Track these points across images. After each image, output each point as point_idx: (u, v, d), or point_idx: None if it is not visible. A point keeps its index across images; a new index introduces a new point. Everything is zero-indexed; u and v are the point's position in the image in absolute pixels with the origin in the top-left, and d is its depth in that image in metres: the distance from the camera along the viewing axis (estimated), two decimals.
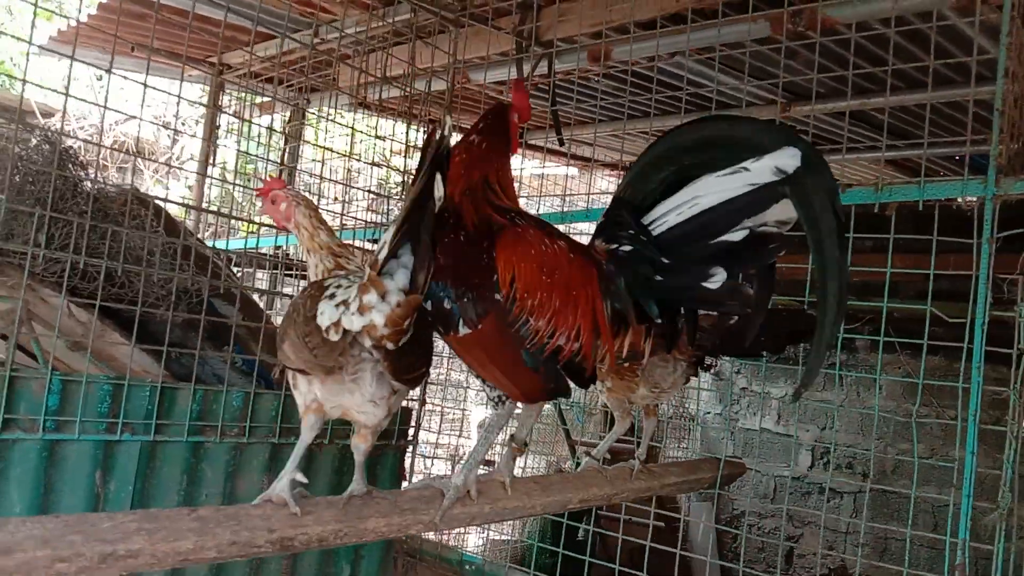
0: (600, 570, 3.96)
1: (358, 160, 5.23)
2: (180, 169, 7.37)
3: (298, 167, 6.15)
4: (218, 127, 6.11)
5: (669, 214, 2.13)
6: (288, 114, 6.16)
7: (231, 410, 3.41)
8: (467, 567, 4.15)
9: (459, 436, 7.11)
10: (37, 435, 2.87)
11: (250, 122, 5.76)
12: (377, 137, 4.67)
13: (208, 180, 5.64)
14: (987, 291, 2.74)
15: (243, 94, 6.07)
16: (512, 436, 2.41)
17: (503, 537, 7.18)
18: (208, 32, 5.22)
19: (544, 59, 4.55)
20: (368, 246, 5.09)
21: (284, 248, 5.11)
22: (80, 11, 4.87)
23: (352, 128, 5.08)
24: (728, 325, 2.60)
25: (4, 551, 1.38)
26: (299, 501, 1.90)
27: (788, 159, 1.97)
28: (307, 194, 6.11)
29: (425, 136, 1.78)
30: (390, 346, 1.82)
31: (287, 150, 5.91)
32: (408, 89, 4.72)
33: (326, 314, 1.81)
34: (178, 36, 5.43)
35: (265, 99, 6.03)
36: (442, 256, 2.03)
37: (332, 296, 1.85)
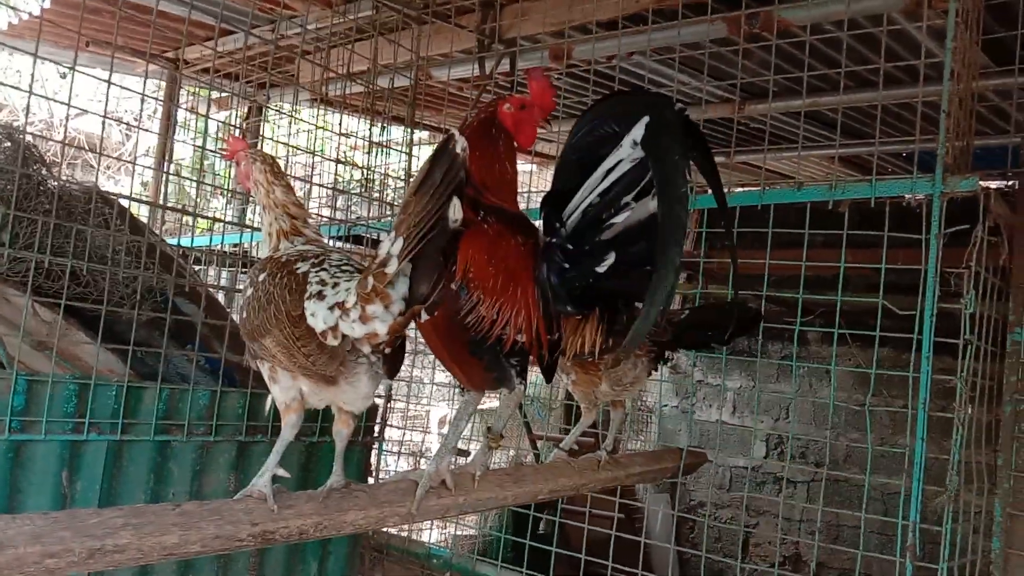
0: (560, 561, 4.03)
1: (318, 156, 5.23)
2: (134, 165, 7.23)
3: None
4: (175, 123, 6.04)
5: (582, 202, 2.17)
6: (246, 110, 6.12)
7: (197, 409, 3.40)
8: (434, 560, 4.19)
9: (424, 433, 7.13)
10: (3, 436, 2.84)
11: (207, 118, 5.71)
12: (339, 134, 4.67)
13: (164, 176, 5.57)
14: (935, 284, 2.86)
15: (197, 89, 6.01)
16: (489, 428, 2.46)
17: (465, 532, 7.23)
18: (165, 28, 5.17)
19: (506, 57, 4.60)
20: (330, 243, 5.09)
21: (244, 246, 5.10)
22: (29, 3, 4.78)
23: (316, 125, 5.07)
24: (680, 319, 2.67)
25: None
26: (279, 496, 1.93)
27: (640, 129, 2.01)
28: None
29: (435, 151, 1.77)
30: (388, 351, 1.86)
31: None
32: (371, 86, 4.74)
33: (319, 316, 1.84)
34: (132, 31, 5.36)
35: (223, 95, 5.97)
36: None
37: (321, 296, 1.86)
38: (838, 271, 3.23)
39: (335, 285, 1.89)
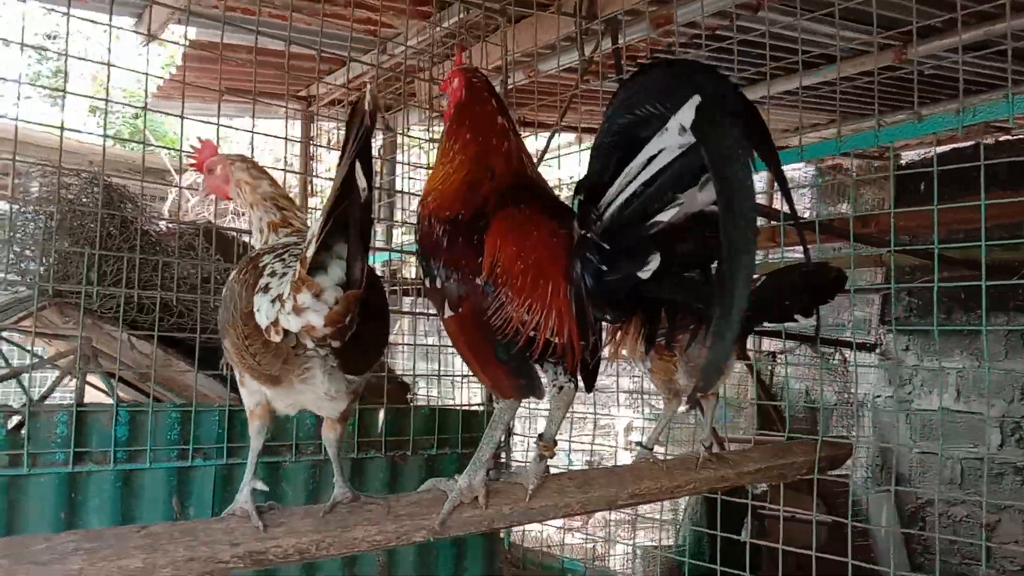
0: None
1: None
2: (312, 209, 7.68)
3: (397, 184, 6.20)
4: (311, 159, 6.28)
5: (620, 193, 1.86)
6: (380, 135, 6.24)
7: (305, 428, 3.40)
8: (568, 575, 3.95)
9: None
10: (109, 466, 2.97)
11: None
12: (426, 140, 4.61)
13: (304, 210, 5.79)
14: None
15: (331, 123, 6.21)
16: (540, 435, 2.22)
17: (655, 543, 6.89)
18: (292, 67, 5.36)
19: (607, 35, 4.33)
20: None
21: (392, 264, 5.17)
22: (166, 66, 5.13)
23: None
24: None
25: None
26: (269, 513, 1.81)
27: (688, 112, 1.67)
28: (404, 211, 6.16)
29: (349, 113, 1.59)
30: (336, 344, 1.68)
31: (383, 170, 5.99)
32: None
33: (263, 311, 1.69)
34: (261, 75, 5.61)
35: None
36: (441, 234, 1.99)
37: (267, 288, 1.72)
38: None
39: (283, 276, 1.73)
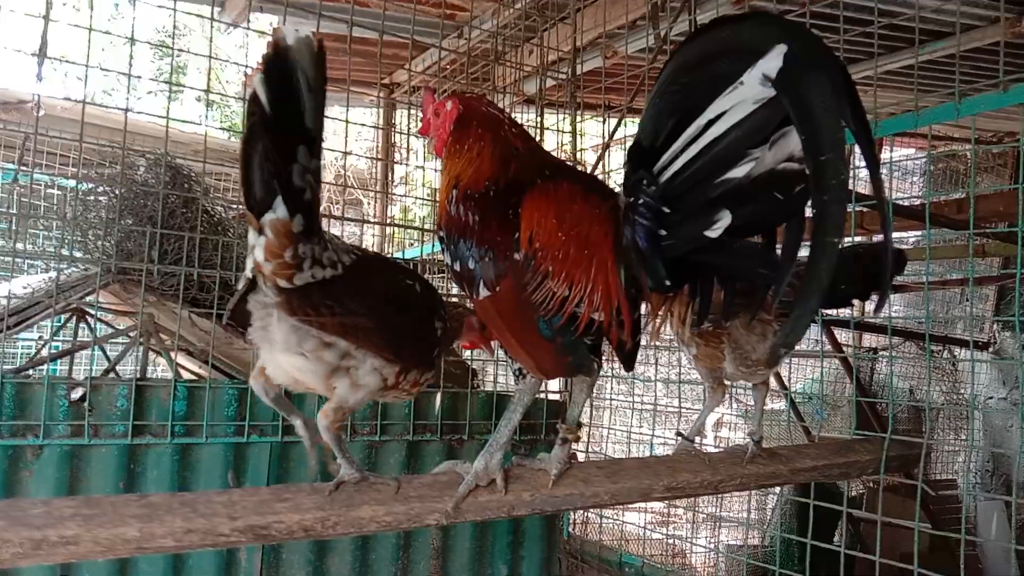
0: None
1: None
2: (392, 195, 7.79)
3: None
4: (395, 146, 6.33)
5: (679, 155, 1.76)
6: None
7: (362, 409, 3.43)
8: (627, 568, 3.84)
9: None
10: (166, 440, 3.06)
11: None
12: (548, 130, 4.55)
13: (385, 197, 5.85)
14: None
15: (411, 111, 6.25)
16: (562, 419, 2.15)
17: (740, 542, 6.67)
18: (370, 55, 5.41)
19: (683, 11, 4.17)
20: None
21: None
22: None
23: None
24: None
25: None
26: (274, 488, 1.81)
27: (773, 61, 1.56)
28: None
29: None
30: (283, 283, 1.71)
31: None
32: (541, 75, 4.56)
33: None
34: (343, 63, 5.69)
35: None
36: (470, 213, 1.94)
37: None
38: None
39: None
